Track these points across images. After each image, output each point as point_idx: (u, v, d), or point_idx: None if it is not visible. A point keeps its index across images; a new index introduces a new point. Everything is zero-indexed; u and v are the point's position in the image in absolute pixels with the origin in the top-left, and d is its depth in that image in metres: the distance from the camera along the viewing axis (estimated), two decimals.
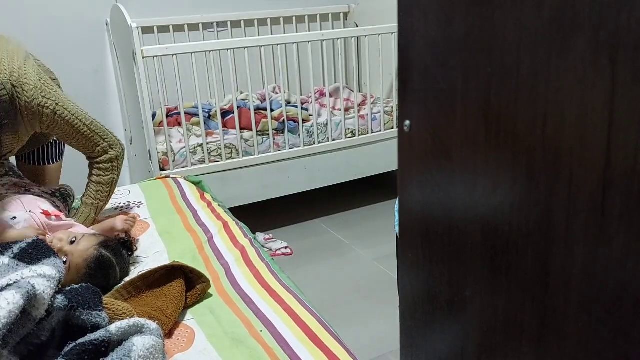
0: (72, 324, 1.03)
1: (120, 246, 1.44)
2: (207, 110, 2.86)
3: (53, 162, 1.95)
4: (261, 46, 2.72)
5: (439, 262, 0.66)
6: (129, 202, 1.96)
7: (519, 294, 0.55)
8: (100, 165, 1.69)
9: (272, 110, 2.83)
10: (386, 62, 3.00)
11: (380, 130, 3.06)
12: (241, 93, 3.15)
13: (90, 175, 1.71)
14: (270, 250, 2.72)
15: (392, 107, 3.13)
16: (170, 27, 3.11)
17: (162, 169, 2.60)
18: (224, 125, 2.79)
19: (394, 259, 1.25)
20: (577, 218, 0.47)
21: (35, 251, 1.11)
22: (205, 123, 2.71)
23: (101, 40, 3.01)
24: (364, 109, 3.06)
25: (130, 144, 3.04)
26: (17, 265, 1.05)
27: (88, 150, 1.67)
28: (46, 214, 1.49)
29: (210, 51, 2.59)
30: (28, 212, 1.47)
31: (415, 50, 0.63)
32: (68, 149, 1.83)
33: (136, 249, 1.53)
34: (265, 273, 1.45)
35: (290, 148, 2.84)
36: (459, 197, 0.61)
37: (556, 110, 0.47)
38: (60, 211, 1.63)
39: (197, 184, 2.12)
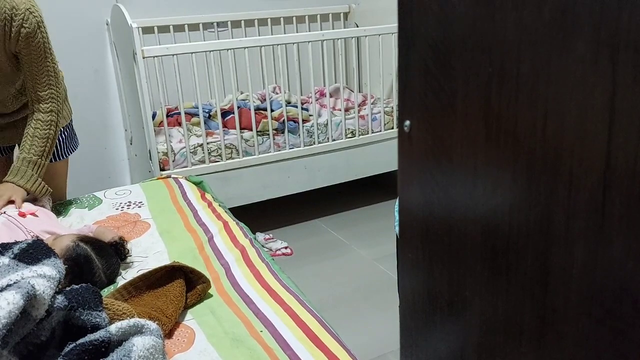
0: (72, 324, 1.03)
1: (108, 248, 1.43)
2: (207, 110, 2.86)
3: (57, 160, 1.92)
4: (261, 46, 2.72)
5: (439, 262, 0.66)
6: (129, 202, 1.96)
7: (519, 294, 0.55)
8: (40, 116, 1.66)
9: (272, 110, 2.83)
10: (386, 62, 3.00)
11: (380, 130, 3.06)
12: (241, 93, 3.15)
13: (27, 128, 1.67)
14: (270, 250, 2.72)
15: (392, 107, 3.13)
16: (171, 27, 3.11)
17: (162, 169, 2.60)
18: (224, 125, 2.79)
19: (394, 259, 1.25)
20: (577, 219, 0.47)
21: (35, 251, 1.11)
22: (205, 123, 2.71)
23: (101, 40, 3.02)
24: (364, 109, 3.06)
25: (131, 144, 3.04)
26: (17, 265, 1.05)
27: (40, 88, 1.64)
28: (21, 214, 1.49)
29: (210, 51, 2.60)
30: (2, 213, 1.46)
31: (415, 50, 0.63)
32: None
33: (128, 255, 1.51)
34: (265, 273, 1.45)
35: (290, 148, 2.84)
36: (459, 197, 0.61)
37: (556, 111, 0.47)
38: (42, 206, 1.63)
39: (197, 184, 2.12)
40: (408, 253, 0.72)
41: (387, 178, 3.20)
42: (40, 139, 1.66)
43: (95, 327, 1.03)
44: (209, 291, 1.35)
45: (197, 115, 2.74)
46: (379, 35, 2.90)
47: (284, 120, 2.82)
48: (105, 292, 1.33)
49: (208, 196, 2.00)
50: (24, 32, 1.56)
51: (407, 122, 0.66)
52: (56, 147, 1.88)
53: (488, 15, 0.52)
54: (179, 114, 2.69)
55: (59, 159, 1.94)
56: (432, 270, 0.68)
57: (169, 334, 1.18)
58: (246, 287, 1.38)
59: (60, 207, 1.93)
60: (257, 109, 2.87)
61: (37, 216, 1.53)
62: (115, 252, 1.44)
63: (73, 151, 2.01)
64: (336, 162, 2.97)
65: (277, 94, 3.22)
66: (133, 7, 2.91)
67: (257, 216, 3.02)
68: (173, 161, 2.61)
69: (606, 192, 0.44)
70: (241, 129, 2.74)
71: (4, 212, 1.48)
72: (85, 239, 1.36)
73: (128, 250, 1.51)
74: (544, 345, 0.53)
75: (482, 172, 0.57)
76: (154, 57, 2.49)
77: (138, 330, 1.02)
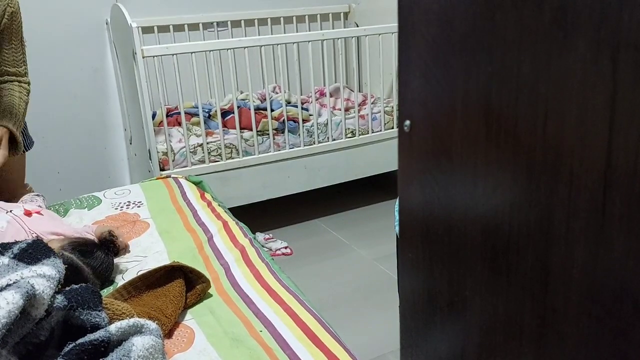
0: (71, 324, 1.03)
1: (96, 247, 1.41)
2: (207, 110, 2.86)
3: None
4: (261, 46, 2.72)
5: (439, 262, 0.66)
6: (129, 201, 1.96)
7: (519, 294, 0.55)
8: (24, 85, 1.80)
9: (272, 110, 2.83)
10: (386, 62, 3.00)
11: (381, 130, 3.06)
12: (241, 93, 3.15)
13: (13, 90, 1.78)
14: (270, 250, 2.72)
15: (392, 107, 3.13)
16: (170, 27, 3.11)
17: (162, 169, 2.60)
18: (224, 125, 2.79)
19: (394, 259, 1.25)
20: (578, 218, 0.47)
21: (35, 251, 1.11)
22: (205, 123, 2.71)
23: (101, 39, 3.01)
24: (364, 108, 3.06)
25: (130, 143, 3.04)
26: (16, 265, 1.05)
27: (17, 63, 1.78)
28: (27, 213, 1.49)
29: (210, 51, 2.59)
30: (9, 212, 1.46)
31: (415, 50, 0.63)
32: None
33: (123, 251, 1.49)
34: (265, 273, 1.45)
35: (290, 148, 2.84)
36: (459, 197, 0.61)
37: (557, 110, 0.47)
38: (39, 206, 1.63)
39: (197, 183, 2.12)
40: (408, 253, 0.72)
41: (387, 178, 3.20)
42: (24, 102, 1.80)
43: (95, 327, 1.02)
44: (209, 291, 1.35)
45: (197, 115, 2.74)
46: (379, 34, 2.90)
47: (284, 120, 2.81)
48: (105, 292, 1.33)
49: (207, 196, 2.00)
50: (9, 11, 1.68)
51: (407, 122, 0.66)
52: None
53: (488, 14, 0.52)
54: (179, 113, 2.68)
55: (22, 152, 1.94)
56: (432, 270, 0.68)
57: (168, 334, 1.18)
58: (246, 287, 1.38)
59: (59, 207, 1.93)
60: (257, 108, 2.87)
61: (42, 215, 1.53)
62: (106, 249, 1.43)
63: (29, 148, 2.02)
64: (336, 162, 2.97)
65: (277, 93, 3.21)
66: (133, 6, 2.91)
67: (257, 216, 3.02)
68: (173, 161, 2.61)
69: (607, 191, 0.44)
70: (241, 128, 2.74)
71: (10, 211, 1.48)
72: (70, 246, 1.34)
73: (119, 245, 1.49)
74: (544, 345, 0.53)
75: (482, 172, 0.57)
76: (153, 56, 2.49)
77: (138, 330, 1.02)
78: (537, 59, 0.48)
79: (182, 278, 1.30)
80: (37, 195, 1.79)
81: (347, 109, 3.05)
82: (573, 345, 0.50)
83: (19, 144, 1.76)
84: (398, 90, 0.67)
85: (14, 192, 1.91)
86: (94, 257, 1.38)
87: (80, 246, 1.37)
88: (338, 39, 2.93)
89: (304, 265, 2.61)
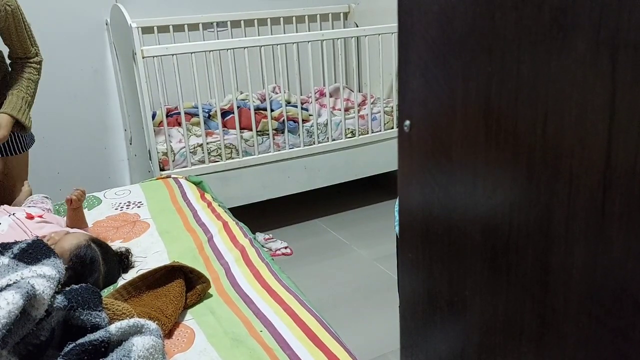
0: (71, 324, 1.03)
1: (114, 253, 1.46)
2: (207, 110, 2.86)
3: (18, 153, 1.96)
4: (261, 46, 2.72)
5: (438, 262, 0.66)
6: (129, 202, 1.96)
7: (519, 294, 0.55)
8: (33, 65, 1.93)
9: (272, 110, 2.83)
10: (386, 62, 3.00)
11: (380, 130, 3.06)
12: (241, 93, 3.15)
13: (22, 72, 1.90)
14: (270, 250, 2.72)
15: (392, 107, 3.13)
16: (170, 27, 3.11)
17: (162, 169, 2.60)
18: (224, 125, 2.79)
19: (394, 259, 1.25)
20: (577, 218, 0.47)
21: (35, 251, 1.11)
22: (205, 123, 2.71)
23: (101, 39, 3.01)
24: (364, 109, 3.06)
25: (130, 144, 3.04)
26: (17, 265, 1.05)
27: (25, 49, 1.91)
28: (29, 216, 1.50)
29: (210, 51, 2.59)
30: (11, 215, 1.47)
31: (415, 50, 0.63)
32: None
33: (131, 266, 1.51)
34: (265, 273, 1.45)
35: (290, 148, 2.84)
36: (459, 197, 0.61)
37: (556, 110, 0.47)
38: (48, 209, 1.65)
39: (197, 184, 2.12)
40: (408, 253, 0.72)
41: (387, 178, 3.20)
42: (33, 82, 1.92)
43: (95, 327, 1.02)
44: (209, 291, 1.35)
45: (196, 115, 2.74)
46: (379, 35, 2.90)
47: (283, 120, 2.81)
48: (105, 292, 1.33)
49: (208, 196, 2.00)
50: (9, 10, 1.80)
51: (407, 122, 0.66)
52: (19, 139, 1.96)
53: (488, 14, 0.52)
54: (179, 114, 2.69)
55: (22, 151, 1.98)
56: (432, 270, 0.68)
57: (168, 334, 1.18)
58: (246, 287, 1.38)
59: (60, 207, 1.93)
60: (257, 108, 2.87)
61: (43, 219, 1.54)
62: (119, 262, 1.46)
63: (31, 146, 2.06)
64: (336, 162, 2.97)
65: (276, 93, 3.21)
66: (132, 7, 2.91)
67: (257, 216, 3.02)
68: (173, 161, 2.61)
69: (606, 191, 0.44)
70: (241, 129, 2.74)
71: (13, 214, 1.49)
72: (96, 241, 1.41)
73: (132, 262, 1.52)
74: (544, 345, 0.53)
75: (482, 172, 0.57)
76: (153, 57, 2.49)
77: (138, 330, 1.02)
78: (537, 59, 0.48)
79: (182, 278, 1.30)
80: (46, 197, 1.80)
81: (346, 109, 3.05)
82: (573, 345, 0.50)
83: (22, 124, 1.84)
84: (398, 90, 0.67)
85: (13, 190, 1.92)
86: (111, 263, 1.42)
87: (105, 247, 1.43)
88: (338, 39, 2.93)
89: (304, 265, 2.61)
